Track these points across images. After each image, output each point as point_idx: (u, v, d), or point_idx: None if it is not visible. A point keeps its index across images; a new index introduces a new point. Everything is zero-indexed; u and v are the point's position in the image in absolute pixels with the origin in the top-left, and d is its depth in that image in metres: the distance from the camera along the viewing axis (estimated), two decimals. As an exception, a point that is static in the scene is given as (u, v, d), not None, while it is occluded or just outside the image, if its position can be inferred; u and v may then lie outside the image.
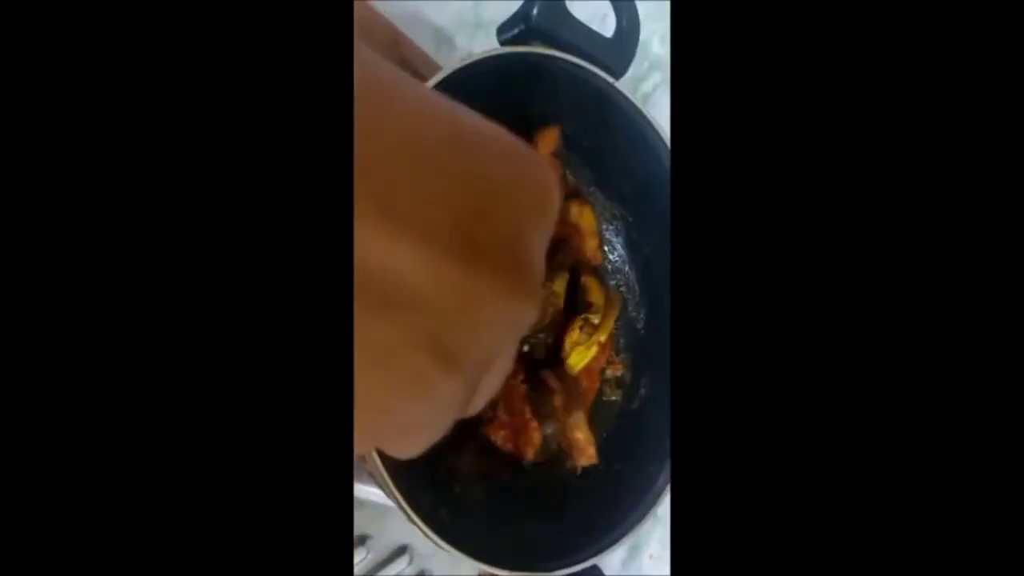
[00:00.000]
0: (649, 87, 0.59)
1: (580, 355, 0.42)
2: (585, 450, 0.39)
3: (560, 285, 0.41)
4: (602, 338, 0.43)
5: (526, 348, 0.41)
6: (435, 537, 0.32)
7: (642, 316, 0.48)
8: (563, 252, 0.42)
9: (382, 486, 0.31)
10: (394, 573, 0.42)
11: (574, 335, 0.42)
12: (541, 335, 0.42)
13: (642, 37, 0.58)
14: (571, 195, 0.43)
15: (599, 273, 0.45)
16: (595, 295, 0.44)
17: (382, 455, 0.33)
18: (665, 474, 0.41)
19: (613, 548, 0.46)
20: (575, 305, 0.43)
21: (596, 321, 0.43)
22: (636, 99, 0.39)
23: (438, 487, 0.37)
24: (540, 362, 0.42)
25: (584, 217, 0.44)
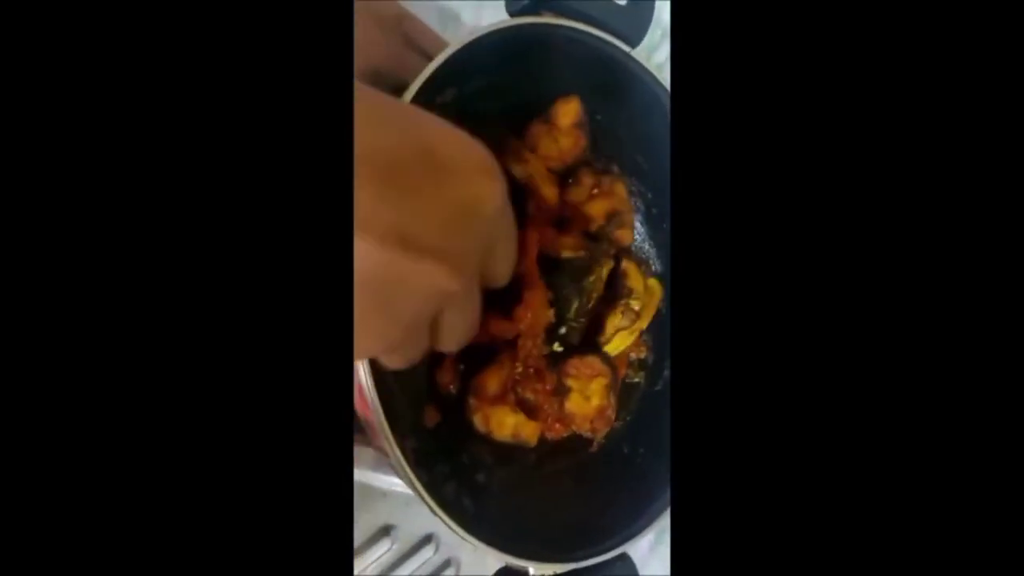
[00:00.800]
0: (662, 56, 0.57)
1: (622, 340, 0.42)
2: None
3: (603, 272, 0.40)
4: (644, 324, 0.42)
5: (563, 331, 0.40)
6: (459, 529, 0.31)
7: (664, 296, 0.46)
8: (605, 239, 0.41)
9: (403, 478, 0.30)
10: (420, 562, 0.42)
11: (616, 319, 0.42)
12: (581, 320, 0.41)
13: (655, 4, 0.57)
14: (603, 171, 0.42)
15: (637, 257, 0.44)
16: (634, 280, 0.43)
17: (402, 447, 0.32)
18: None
19: (642, 535, 0.46)
20: (615, 291, 0.42)
21: (636, 307, 0.42)
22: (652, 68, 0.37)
23: (460, 476, 0.36)
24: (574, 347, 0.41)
25: (617, 193, 0.42)
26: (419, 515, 0.43)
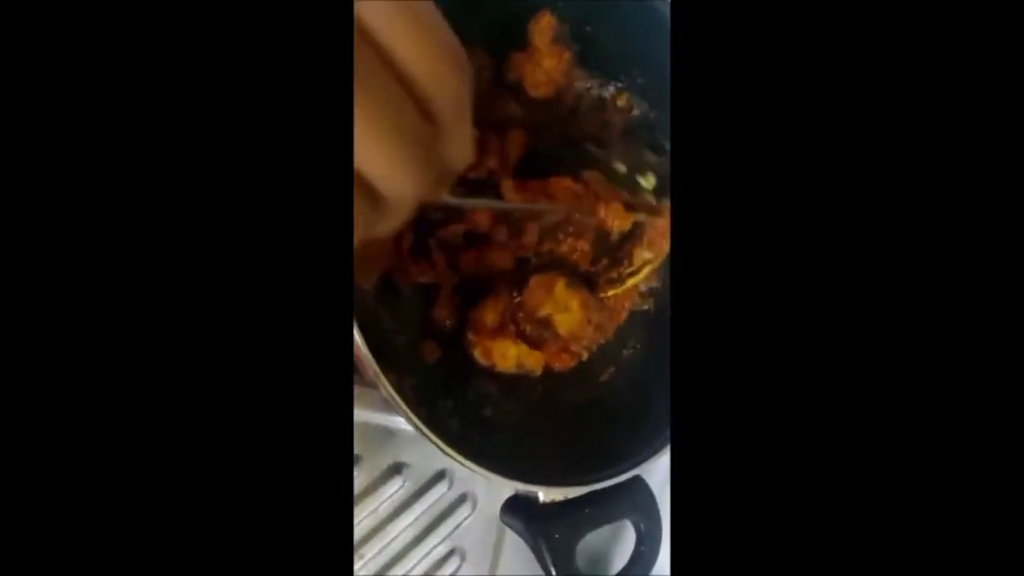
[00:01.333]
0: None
1: (642, 276, 0.41)
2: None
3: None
4: (664, 253, 0.41)
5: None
6: (463, 459, 0.31)
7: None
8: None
9: (400, 412, 0.30)
10: (435, 499, 0.42)
11: (643, 252, 0.41)
12: (604, 261, 0.41)
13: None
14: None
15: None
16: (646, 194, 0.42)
17: (400, 384, 0.31)
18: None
19: (656, 457, 0.45)
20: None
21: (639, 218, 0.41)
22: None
23: (465, 411, 0.36)
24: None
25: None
26: (431, 453, 0.42)
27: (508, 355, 0.37)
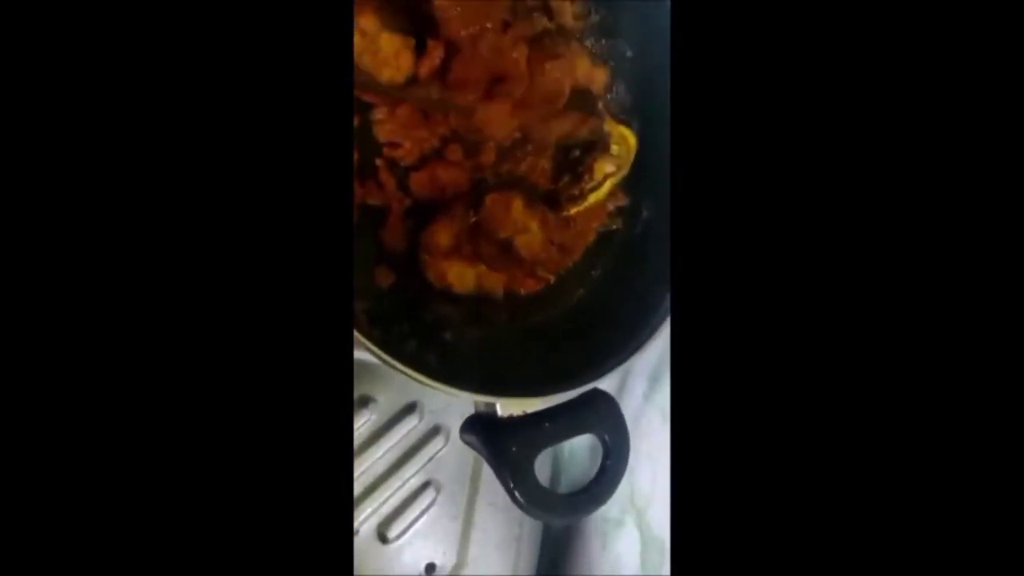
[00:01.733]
0: None
1: (609, 185, 0.40)
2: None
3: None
4: (626, 169, 0.40)
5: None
6: (417, 375, 0.30)
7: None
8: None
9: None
10: (404, 431, 0.42)
11: (604, 165, 0.40)
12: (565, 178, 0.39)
13: None
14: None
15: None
16: (611, 126, 0.40)
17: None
18: (667, 301, 0.38)
19: (623, 378, 0.44)
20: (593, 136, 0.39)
21: (616, 152, 0.40)
22: None
23: (422, 334, 0.35)
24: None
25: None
26: (399, 385, 0.42)
27: (466, 276, 0.36)
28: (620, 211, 0.43)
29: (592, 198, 0.39)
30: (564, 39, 0.37)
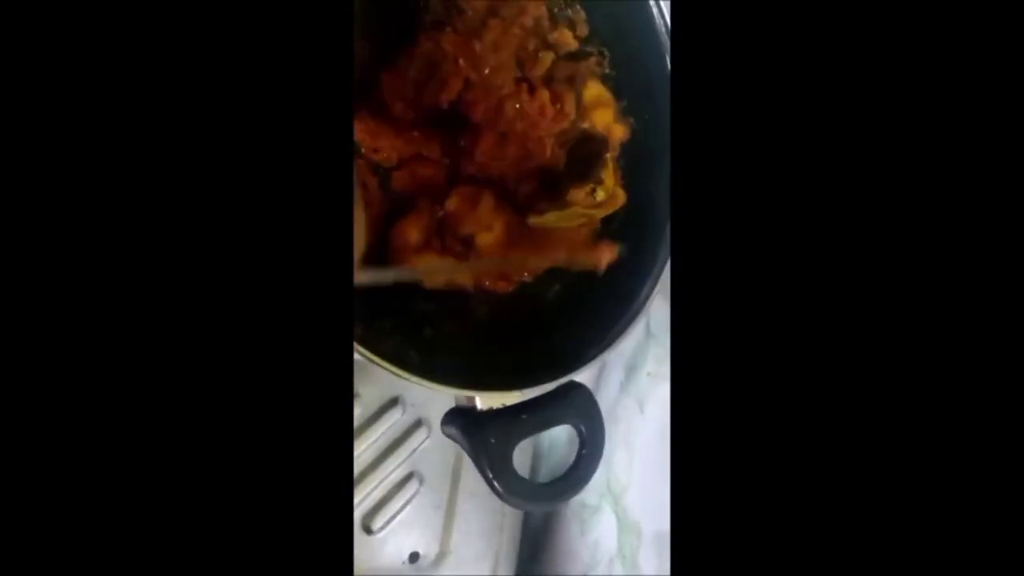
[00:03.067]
0: None
1: (570, 217, 0.40)
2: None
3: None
4: (596, 217, 0.40)
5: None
6: (398, 371, 0.31)
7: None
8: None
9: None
10: (388, 425, 0.43)
11: (580, 195, 0.40)
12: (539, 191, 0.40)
13: None
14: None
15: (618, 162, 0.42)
16: (609, 177, 0.41)
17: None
18: (647, 288, 0.39)
19: (600, 368, 0.45)
20: (588, 169, 0.40)
21: (599, 199, 0.40)
22: None
23: (404, 330, 0.36)
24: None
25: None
26: (384, 381, 0.43)
27: (435, 272, 0.37)
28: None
29: (552, 218, 0.40)
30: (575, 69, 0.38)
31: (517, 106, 0.38)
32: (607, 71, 0.41)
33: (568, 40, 0.40)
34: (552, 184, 0.41)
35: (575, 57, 0.40)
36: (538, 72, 0.39)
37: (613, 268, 0.42)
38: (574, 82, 0.41)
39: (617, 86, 0.41)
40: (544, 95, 0.38)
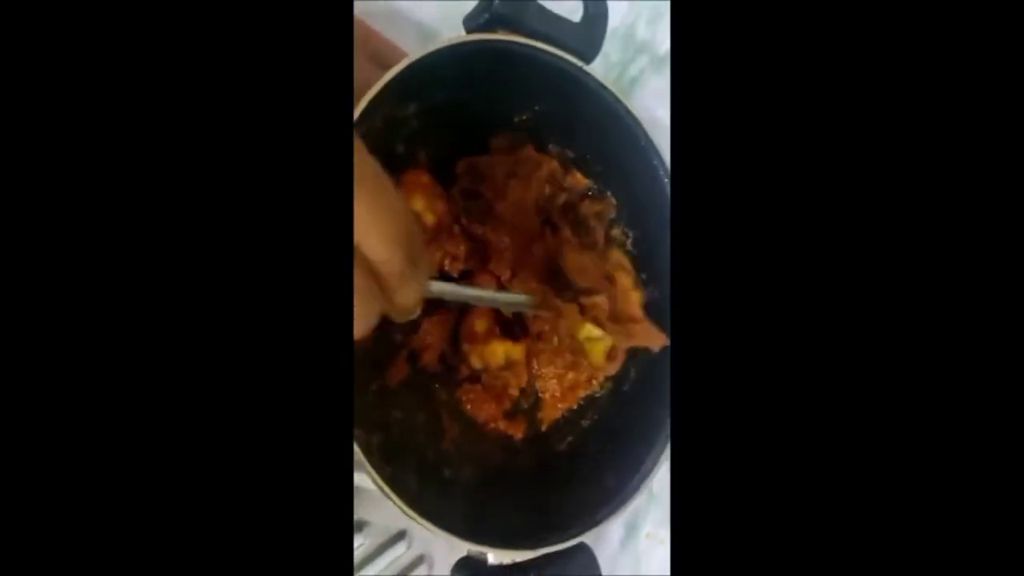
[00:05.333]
0: (636, 71, 0.59)
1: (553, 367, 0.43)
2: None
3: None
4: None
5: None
6: (422, 520, 0.33)
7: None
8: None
9: (368, 473, 0.32)
10: (393, 558, 0.43)
11: (587, 329, 0.42)
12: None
13: (628, 21, 0.58)
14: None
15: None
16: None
17: (367, 443, 0.34)
18: (654, 454, 0.41)
19: (601, 526, 0.47)
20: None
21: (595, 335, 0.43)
22: (614, 82, 0.39)
23: (424, 470, 0.38)
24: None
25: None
26: (392, 512, 0.44)
27: (496, 352, 0.40)
28: (607, 379, 0.47)
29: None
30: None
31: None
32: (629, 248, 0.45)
33: (579, 180, 0.44)
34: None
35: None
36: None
37: (624, 427, 0.45)
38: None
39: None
40: (566, 231, 0.42)
